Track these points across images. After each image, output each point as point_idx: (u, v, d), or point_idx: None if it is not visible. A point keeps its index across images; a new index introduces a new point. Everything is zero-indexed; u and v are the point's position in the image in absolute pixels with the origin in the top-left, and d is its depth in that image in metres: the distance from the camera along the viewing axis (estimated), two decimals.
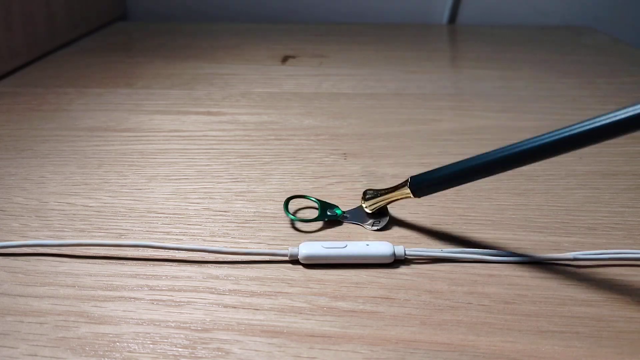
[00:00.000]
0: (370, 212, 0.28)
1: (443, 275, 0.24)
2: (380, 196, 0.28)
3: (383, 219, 0.28)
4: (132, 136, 0.39)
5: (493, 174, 0.24)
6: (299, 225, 0.28)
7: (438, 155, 0.36)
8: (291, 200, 0.29)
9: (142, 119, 0.42)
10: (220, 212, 0.29)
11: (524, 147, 0.22)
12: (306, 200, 0.30)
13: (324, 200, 0.30)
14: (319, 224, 0.28)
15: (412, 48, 0.64)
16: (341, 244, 0.25)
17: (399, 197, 0.27)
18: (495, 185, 0.31)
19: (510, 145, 0.23)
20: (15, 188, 0.31)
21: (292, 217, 0.28)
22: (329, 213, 0.29)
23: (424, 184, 0.26)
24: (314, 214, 0.29)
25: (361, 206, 0.29)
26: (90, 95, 0.47)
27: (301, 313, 0.22)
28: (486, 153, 0.24)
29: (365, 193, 0.29)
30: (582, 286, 0.23)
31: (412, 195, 0.26)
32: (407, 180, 0.26)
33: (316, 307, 0.22)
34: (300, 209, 0.29)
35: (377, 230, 0.27)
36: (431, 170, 0.26)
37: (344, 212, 0.29)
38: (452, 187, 0.26)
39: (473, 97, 0.47)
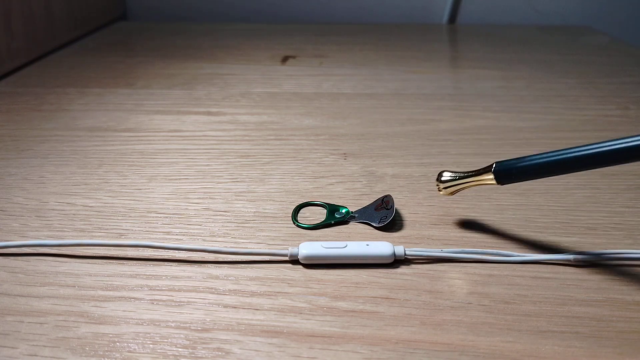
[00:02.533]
0: (449, 195, 0.27)
1: (443, 275, 0.24)
2: (459, 179, 0.27)
3: (389, 215, 0.28)
4: (132, 136, 0.39)
5: (587, 169, 0.23)
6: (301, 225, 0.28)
7: (438, 155, 0.36)
8: (294, 205, 0.29)
9: (142, 119, 0.42)
10: (220, 212, 0.29)
11: (626, 144, 0.21)
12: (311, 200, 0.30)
13: (326, 201, 0.30)
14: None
15: (412, 48, 0.64)
16: (341, 244, 0.25)
17: (480, 183, 0.26)
18: (495, 184, 0.31)
19: (607, 141, 0.22)
20: (15, 188, 0.31)
21: (301, 225, 0.28)
22: (337, 215, 0.29)
23: (512, 172, 0.25)
24: (318, 213, 0.29)
25: (369, 205, 0.29)
26: (90, 95, 0.47)
27: (301, 313, 0.22)
28: (581, 146, 0.23)
29: (440, 174, 0.27)
30: (582, 286, 0.23)
31: (495, 182, 0.25)
32: (490, 166, 0.25)
33: (316, 307, 0.22)
34: (302, 207, 0.29)
35: (383, 226, 0.27)
36: (519, 158, 0.25)
37: (351, 212, 0.29)
38: (541, 177, 0.25)
39: (473, 97, 0.47)
